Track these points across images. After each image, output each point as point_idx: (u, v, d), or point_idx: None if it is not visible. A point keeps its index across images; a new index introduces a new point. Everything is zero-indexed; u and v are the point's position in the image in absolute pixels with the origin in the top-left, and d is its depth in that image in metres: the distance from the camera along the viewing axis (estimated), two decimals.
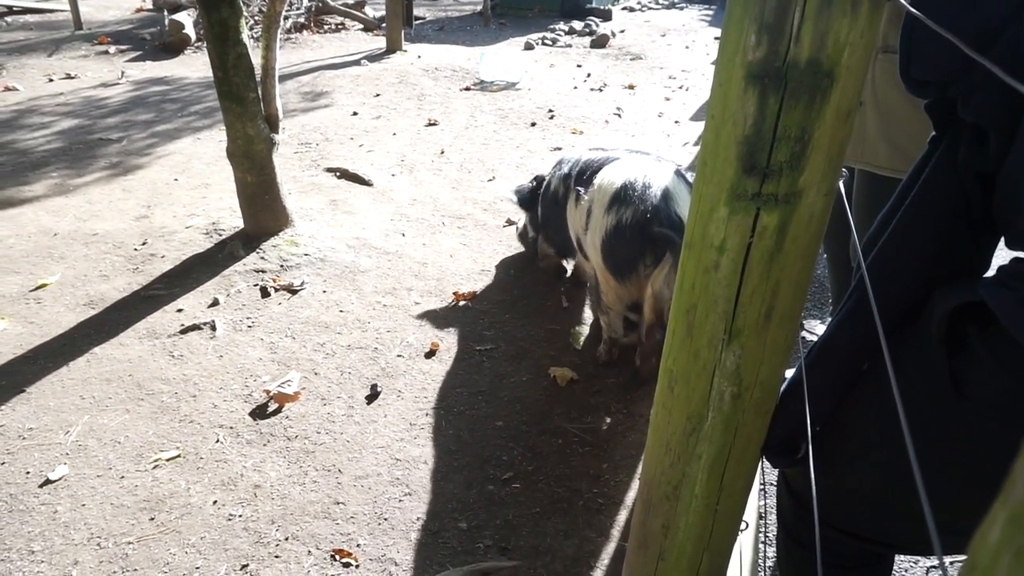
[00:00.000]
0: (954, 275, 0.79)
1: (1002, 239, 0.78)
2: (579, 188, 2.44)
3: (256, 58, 2.91)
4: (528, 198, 3.02)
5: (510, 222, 3.64)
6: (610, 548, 1.81)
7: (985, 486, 0.76)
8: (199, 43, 7.17)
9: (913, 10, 0.70)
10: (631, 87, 6.49)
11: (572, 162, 2.69)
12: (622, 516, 1.91)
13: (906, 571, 1.76)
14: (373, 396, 2.34)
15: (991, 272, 0.77)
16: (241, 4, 2.81)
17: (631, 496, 1.97)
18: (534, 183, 3.04)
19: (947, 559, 1.78)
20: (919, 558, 1.78)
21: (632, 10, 11.40)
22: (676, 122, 5.49)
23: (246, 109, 2.93)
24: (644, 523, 1.07)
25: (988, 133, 0.70)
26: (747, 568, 1.42)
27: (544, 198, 2.88)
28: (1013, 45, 0.66)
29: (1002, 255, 0.81)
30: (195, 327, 2.61)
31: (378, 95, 5.85)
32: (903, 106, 1.78)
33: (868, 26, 0.70)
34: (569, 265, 3.12)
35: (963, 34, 0.61)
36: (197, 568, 1.73)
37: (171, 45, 7.04)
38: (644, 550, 1.09)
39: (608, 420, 2.27)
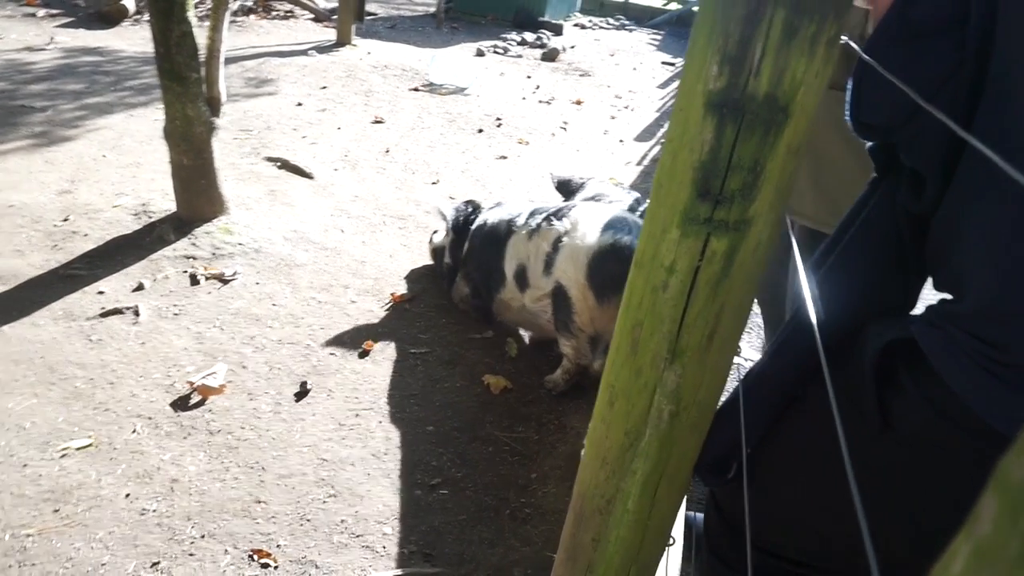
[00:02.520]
0: (885, 311, 0.84)
1: (930, 280, 0.83)
2: (551, 218, 2.44)
3: (201, 38, 2.81)
4: (461, 223, 2.91)
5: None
6: (535, 558, 1.81)
7: (907, 514, 0.81)
8: (138, 15, 6.87)
9: (866, 57, 0.74)
10: (578, 103, 6.58)
11: (517, 207, 2.71)
12: (548, 527, 1.92)
13: None
14: (302, 394, 2.28)
15: (918, 310, 0.82)
16: None
17: (559, 507, 1.98)
18: (468, 208, 2.95)
19: None
20: None
21: (583, 27, 11.58)
22: (620, 141, 5.60)
23: (187, 89, 2.83)
24: (575, 535, 1.08)
25: (925, 179, 0.74)
26: None
27: (478, 233, 2.78)
28: (951, 101, 0.70)
29: (929, 294, 0.86)
30: (117, 311, 2.49)
31: (325, 87, 5.74)
32: (838, 148, 1.70)
33: (823, 67, 0.73)
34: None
35: (910, 84, 0.65)
36: (103, 564, 1.64)
37: (108, 15, 6.72)
38: (572, 562, 1.10)
39: (539, 431, 2.29)
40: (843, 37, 0.77)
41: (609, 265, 2.20)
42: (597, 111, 6.43)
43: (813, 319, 0.75)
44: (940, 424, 0.72)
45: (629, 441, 0.95)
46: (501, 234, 2.64)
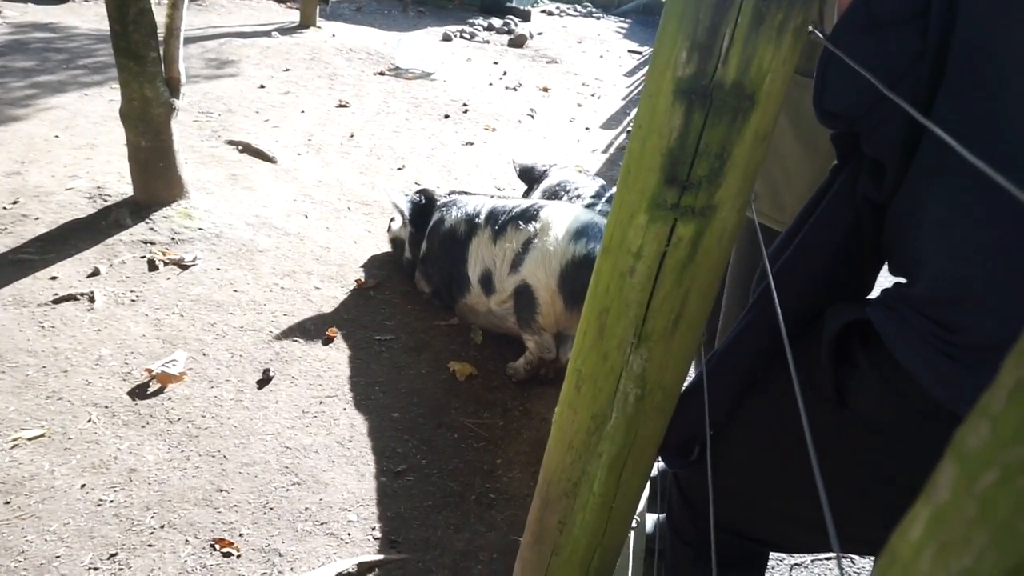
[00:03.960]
0: (844, 295, 0.86)
1: (886, 264, 0.86)
2: (519, 220, 2.42)
3: (160, 16, 2.73)
4: (418, 215, 2.86)
5: None
6: (501, 543, 1.82)
7: (863, 491, 0.83)
8: None
9: (831, 46, 0.75)
10: (545, 89, 6.58)
11: (476, 204, 2.64)
12: (514, 511, 1.93)
13: (773, 568, 1.88)
14: (265, 381, 2.25)
15: (875, 293, 0.84)
16: None
17: (524, 492, 2.00)
18: (421, 199, 2.88)
19: (819, 556, 1.92)
20: (784, 556, 1.91)
21: (551, 14, 11.55)
22: (587, 128, 5.62)
23: (145, 69, 2.74)
24: (541, 519, 1.09)
25: (885, 167, 0.76)
26: (634, 563, 1.47)
27: (436, 233, 2.71)
28: (912, 90, 0.72)
29: (885, 280, 0.88)
30: (71, 297, 2.42)
31: (288, 70, 5.63)
32: (788, 133, 1.58)
33: (790, 55, 0.74)
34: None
35: (873, 73, 0.66)
36: (57, 557, 1.60)
37: None
38: (539, 545, 1.11)
39: (505, 417, 2.30)
40: (810, 26, 0.78)
41: (583, 274, 2.20)
42: (564, 98, 6.44)
43: (777, 304, 0.77)
44: (894, 403, 0.74)
45: (595, 425, 0.96)
46: (461, 236, 2.59)
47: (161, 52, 2.81)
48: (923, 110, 0.69)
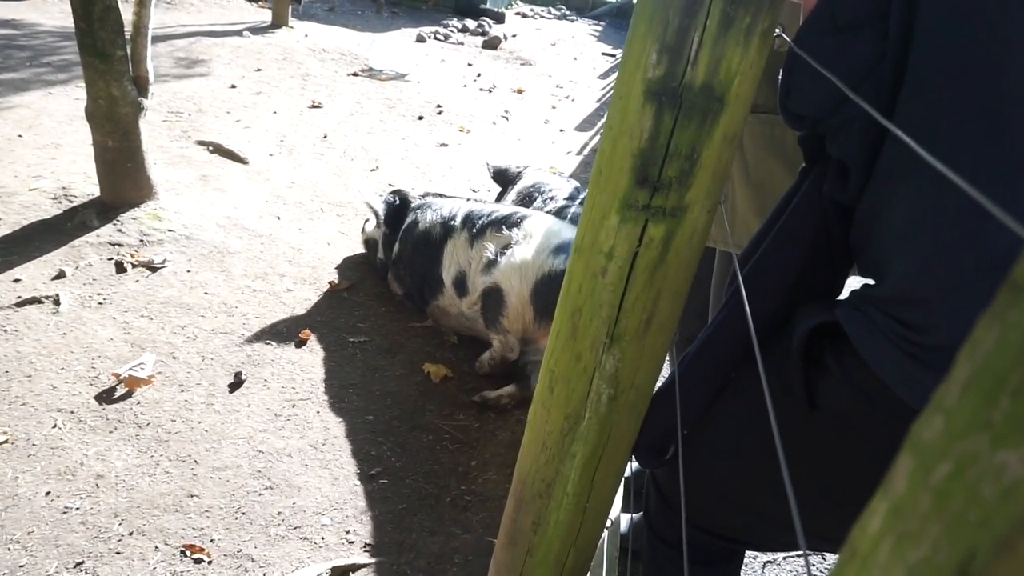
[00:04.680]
0: (814, 296, 0.87)
1: (855, 265, 0.87)
2: (502, 225, 2.42)
3: (127, 13, 2.68)
4: (392, 216, 2.85)
5: None
6: (476, 545, 1.82)
7: (835, 491, 0.84)
8: None
9: (796, 48, 0.76)
10: (520, 91, 6.59)
11: (452, 207, 2.64)
12: (489, 513, 1.93)
13: (746, 565, 1.90)
14: (237, 384, 2.22)
15: (844, 295, 0.85)
16: None
17: (499, 493, 1.99)
18: (395, 199, 2.87)
19: (791, 554, 1.94)
20: (757, 554, 1.93)
21: (525, 16, 11.58)
22: (561, 130, 5.64)
23: (111, 67, 2.69)
24: (515, 520, 1.09)
25: (850, 169, 0.77)
26: (607, 562, 1.48)
27: (409, 234, 2.71)
28: (875, 92, 0.73)
29: (854, 281, 0.90)
30: (35, 300, 2.36)
31: (260, 70, 5.57)
32: (778, 171, 1.53)
33: (757, 58, 0.75)
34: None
35: (836, 75, 0.67)
36: (21, 566, 1.56)
37: None
38: (513, 546, 1.11)
39: (480, 418, 2.29)
40: (776, 29, 0.79)
41: (558, 290, 2.18)
42: (538, 100, 6.45)
43: (746, 304, 0.77)
44: (862, 403, 0.75)
45: (569, 425, 0.96)
46: (436, 238, 2.59)
47: (128, 50, 2.76)
48: (885, 112, 0.71)
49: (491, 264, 2.36)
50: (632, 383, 0.92)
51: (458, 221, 2.56)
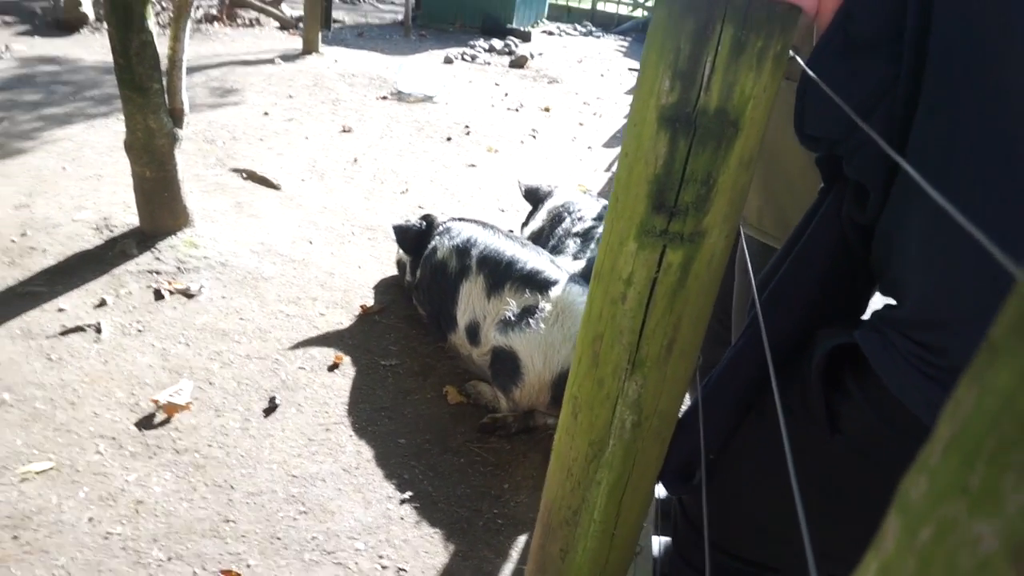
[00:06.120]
0: (836, 318, 0.86)
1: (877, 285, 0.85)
2: (525, 285, 2.27)
3: (163, 47, 2.78)
4: (413, 241, 2.79)
5: None
6: (508, 569, 1.81)
7: (855, 516, 0.82)
8: (98, 23, 6.75)
9: (809, 71, 0.76)
10: (547, 110, 6.62)
11: (469, 238, 2.52)
12: (522, 537, 1.92)
13: None
14: (271, 409, 2.26)
15: (867, 316, 0.84)
16: None
17: (532, 516, 1.98)
18: (422, 224, 2.81)
19: None
20: None
21: (551, 34, 11.65)
22: (589, 148, 5.64)
23: (148, 100, 2.78)
24: (543, 547, 1.09)
25: (868, 190, 0.76)
26: None
27: (428, 262, 2.63)
28: (889, 114, 0.72)
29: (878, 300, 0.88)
30: (78, 329, 2.44)
31: (291, 96, 5.69)
32: (797, 160, 1.49)
33: (771, 81, 0.75)
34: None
35: (849, 100, 0.67)
36: None
37: (66, 23, 6.60)
38: (542, 574, 1.10)
39: (511, 440, 2.29)
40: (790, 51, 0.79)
41: None
42: (565, 118, 6.47)
43: (763, 329, 0.77)
44: (883, 427, 0.74)
45: (593, 452, 0.96)
46: (452, 272, 2.48)
47: (164, 83, 2.85)
48: (901, 132, 0.70)
49: (509, 325, 2.23)
50: (656, 409, 0.91)
51: (474, 262, 2.43)
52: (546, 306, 2.21)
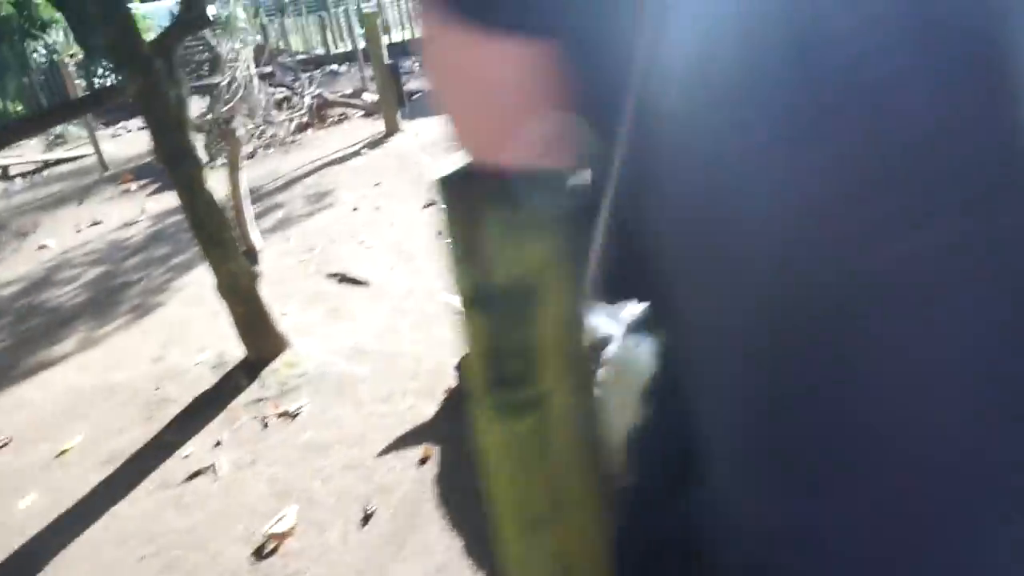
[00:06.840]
0: None
1: None
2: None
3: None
4: None
5: None
6: None
7: None
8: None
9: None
10: None
11: None
12: None
13: None
14: (367, 518, 2.38)
15: None
16: (201, 157, 2.98)
17: None
18: None
19: None
20: None
21: None
22: None
23: (226, 251, 3.09)
24: None
25: None
26: None
27: None
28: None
29: None
30: (200, 472, 2.72)
31: (378, 184, 6.03)
32: None
33: (563, 240, 0.72)
34: None
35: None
36: None
37: None
38: None
39: None
40: None
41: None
42: None
43: None
44: None
45: None
46: None
47: (235, 230, 3.16)
48: None
49: None
50: (581, 565, 0.88)
51: None
52: (598, 371, 2.17)
